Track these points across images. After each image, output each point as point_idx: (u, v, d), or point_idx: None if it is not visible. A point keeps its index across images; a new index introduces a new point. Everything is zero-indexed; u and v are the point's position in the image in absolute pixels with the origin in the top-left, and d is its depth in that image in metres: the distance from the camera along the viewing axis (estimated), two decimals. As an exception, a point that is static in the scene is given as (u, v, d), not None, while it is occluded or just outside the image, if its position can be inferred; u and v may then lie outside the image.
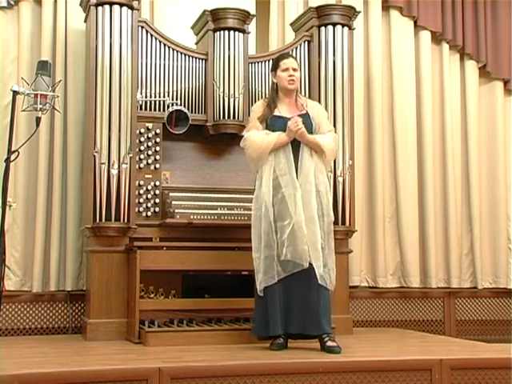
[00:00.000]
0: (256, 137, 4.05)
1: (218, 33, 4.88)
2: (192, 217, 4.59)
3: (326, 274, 3.93)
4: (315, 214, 3.93)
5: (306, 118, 4.09)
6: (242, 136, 4.82)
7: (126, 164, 4.55)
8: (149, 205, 4.70)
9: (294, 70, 4.15)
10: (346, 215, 4.96)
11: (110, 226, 4.50)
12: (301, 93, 4.60)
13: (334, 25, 5.06)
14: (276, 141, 3.99)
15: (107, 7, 4.61)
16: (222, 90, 4.83)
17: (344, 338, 4.19)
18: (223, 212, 4.69)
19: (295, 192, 3.92)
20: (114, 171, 4.52)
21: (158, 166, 4.76)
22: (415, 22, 5.82)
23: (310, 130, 4.07)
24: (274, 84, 4.23)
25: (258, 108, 4.19)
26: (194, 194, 4.78)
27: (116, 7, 4.62)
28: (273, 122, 4.08)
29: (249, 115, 4.85)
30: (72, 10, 5.07)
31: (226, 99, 4.82)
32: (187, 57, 4.93)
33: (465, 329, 5.76)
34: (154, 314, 4.40)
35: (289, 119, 4.04)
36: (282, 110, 4.13)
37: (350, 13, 5.13)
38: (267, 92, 4.98)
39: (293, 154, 4.00)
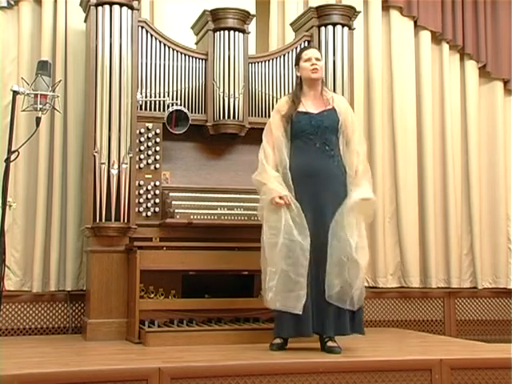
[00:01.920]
0: (262, 176, 3.94)
1: (217, 33, 4.87)
2: (192, 217, 4.58)
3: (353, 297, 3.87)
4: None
5: (333, 114, 4.02)
6: (242, 136, 4.90)
7: (126, 164, 4.55)
8: (149, 205, 4.69)
9: (317, 59, 4.07)
10: (346, 215, 4.95)
11: (110, 226, 4.50)
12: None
13: (334, 25, 5.06)
14: (269, 201, 3.87)
15: (107, 7, 4.61)
16: (221, 90, 4.82)
17: (344, 338, 4.18)
18: (223, 212, 4.68)
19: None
20: (114, 171, 4.52)
21: (157, 166, 4.75)
22: (415, 22, 5.82)
23: (336, 127, 4.00)
24: (297, 78, 4.14)
25: (283, 106, 4.08)
26: (193, 194, 4.77)
27: (116, 7, 4.62)
28: (298, 119, 3.99)
29: (249, 115, 4.89)
30: (72, 10, 5.07)
31: (226, 99, 4.81)
32: (187, 57, 4.92)
33: (465, 329, 5.75)
34: (154, 313, 4.39)
35: (314, 115, 3.97)
36: (306, 105, 4.04)
37: (350, 13, 5.13)
38: (267, 92, 4.99)
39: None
